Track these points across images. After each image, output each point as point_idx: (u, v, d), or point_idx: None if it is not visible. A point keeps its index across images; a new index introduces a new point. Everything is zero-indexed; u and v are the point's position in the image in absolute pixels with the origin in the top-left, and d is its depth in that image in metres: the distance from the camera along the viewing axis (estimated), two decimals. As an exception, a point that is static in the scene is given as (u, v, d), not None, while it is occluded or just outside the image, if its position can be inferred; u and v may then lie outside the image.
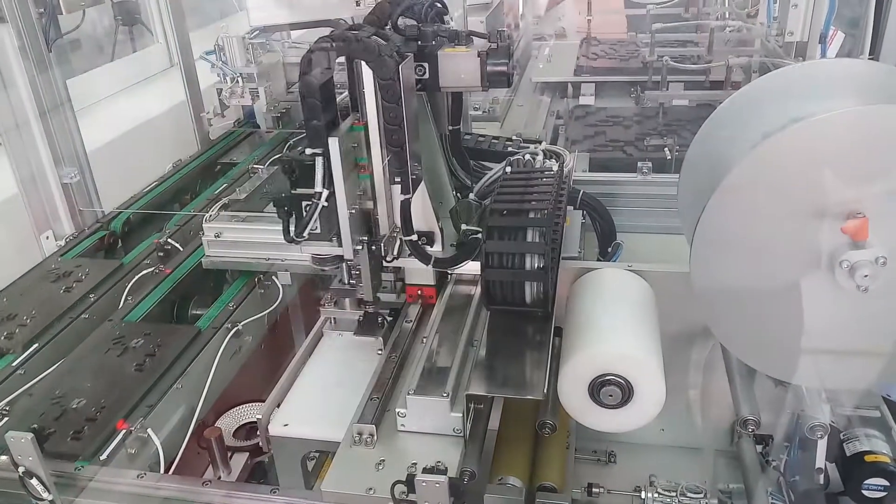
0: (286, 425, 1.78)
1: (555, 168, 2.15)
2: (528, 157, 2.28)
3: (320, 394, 1.89)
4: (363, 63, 1.60)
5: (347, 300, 2.08)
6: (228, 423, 2.14)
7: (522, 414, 1.96)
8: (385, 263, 1.87)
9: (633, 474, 2.05)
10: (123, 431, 1.81)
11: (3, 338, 2.18)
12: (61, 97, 2.75)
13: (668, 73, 3.52)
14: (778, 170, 1.50)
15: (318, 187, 1.61)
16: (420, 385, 1.59)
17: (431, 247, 1.90)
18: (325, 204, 1.62)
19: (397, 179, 1.69)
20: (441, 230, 1.94)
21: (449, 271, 2.02)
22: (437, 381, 1.61)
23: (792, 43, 2.94)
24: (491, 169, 2.32)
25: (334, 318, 2.10)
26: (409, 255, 1.84)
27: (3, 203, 2.74)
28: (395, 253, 1.84)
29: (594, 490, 1.98)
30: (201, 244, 2.54)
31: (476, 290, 1.95)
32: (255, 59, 3.51)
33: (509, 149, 2.44)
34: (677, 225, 2.43)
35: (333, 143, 1.56)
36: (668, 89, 3.59)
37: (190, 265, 2.54)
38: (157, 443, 1.80)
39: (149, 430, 1.81)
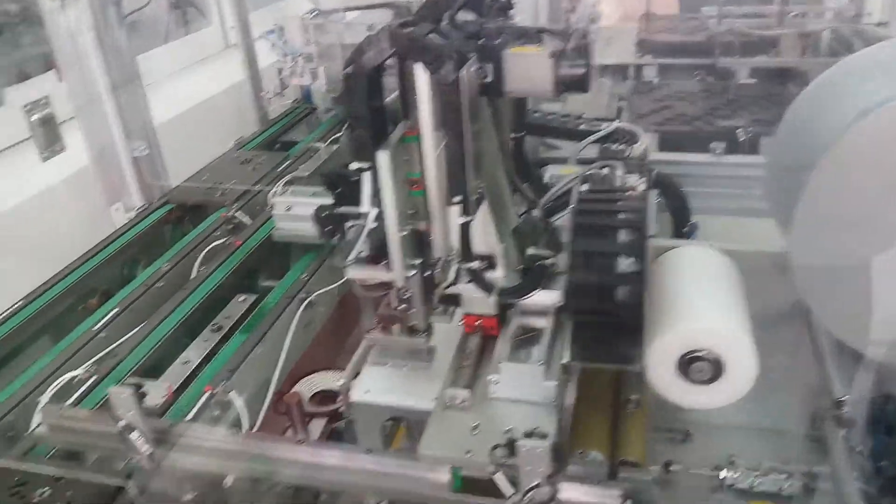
0: (368, 392, 1.79)
1: (640, 188, 1.81)
2: (605, 171, 1.91)
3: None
4: (418, 65, 1.37)
5: (396, 327, 1.75)
6: (303, 390, 2.16)
7: (598, 388, 1.95)
8: (445, 291, 1.66)
9: (710, 454, 2.02)
10: (208, 394, 1.84)
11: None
12: (131, 73, 2.78)
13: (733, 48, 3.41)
14: (880, 144, 1.47)
15: (365, 206, 1.44)
16: (513, 352, 1.57)
17: (492, 272, 1.66)
18: (374, 224, 1.45)
19: (455, 199, 1.47)
20: (504, 253, 1.69)
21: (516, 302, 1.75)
22: (531, 348, 1.59)
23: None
24: (559, 147, 2.26)
25: (381, 346, 1.78)
26: (469, 282, 1.64)
27: (76, 175, 2.77)
28: (452, 279, 1.62)
29: (672, 468, 1.96)
30: (269, 217, 2.58)
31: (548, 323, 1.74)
32: (313, 39, 3.52)
33: (581, 127, 2.40)
34: (750, 206, 2.40)
35: (382, 157, 1.37)
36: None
37: (259, 238, 2.56)
38: (240, 406, 1.82)
39: (231, 394, 1.84)
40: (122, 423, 1.41)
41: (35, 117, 2.40)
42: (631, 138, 2.26)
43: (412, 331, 1.66)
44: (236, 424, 1.81)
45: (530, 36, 1.60)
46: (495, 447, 1.32)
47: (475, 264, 1.57)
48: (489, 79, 1.55)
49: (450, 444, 1.44)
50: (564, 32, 1.62)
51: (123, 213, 2.81)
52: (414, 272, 1.51)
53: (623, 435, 1.90)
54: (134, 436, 1.41)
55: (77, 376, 1.91)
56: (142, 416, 1.41)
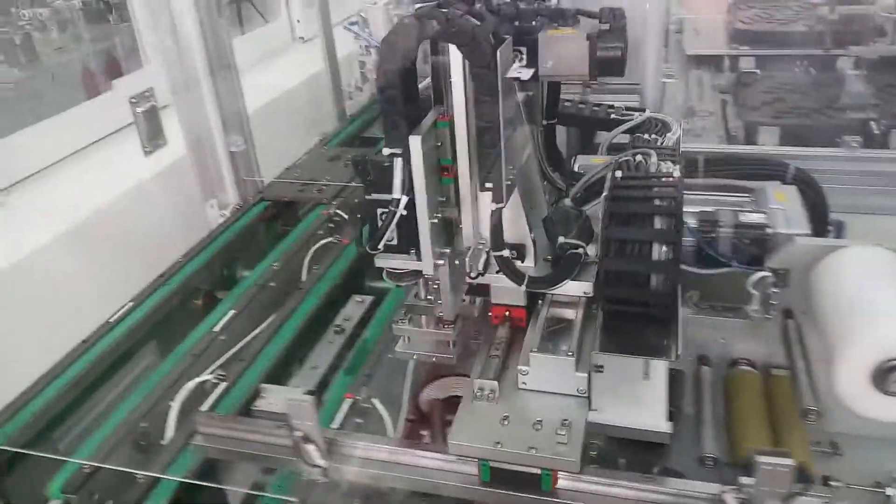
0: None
1: (676, 174, 1.68)
2: (639, 158, 1.80)
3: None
4: (453, 47, 1.32)
5: (424, 318, 1.70)
6: (433, 394, 2.05)
7: (750, 395, 1.83)
8: (469, 280, 1.60)
9: (864, 468, 1.90)
10: (349, 401, 1.74)
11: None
12: (228, 61, 2.69)
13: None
14: None
15: (397, 193, 1.39)
16: (543, 343, 1.51)
17: (522, 262, 1.61)
18: (405, 212, 1.41)
19: (488, 185, 1.42)
20: (534, 242, 1.62)
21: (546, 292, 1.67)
22: (561, 339, 1.52)
23: None
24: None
25: (408, 338, 1.69)
26: (498, 272, 1.56)
27: (169, 168, 2.68)
28: (481, 268, 1.55)
29: (831, 483, 1.84)
30: None
31: (578, 314, 1.67)
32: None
33: (612, 116, 2.27)
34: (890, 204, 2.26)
35: (415, 143, 1.33)
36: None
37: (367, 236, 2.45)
38: (384, 413, 1.72)
39: (374, 401, 1.74)
40: (298, 435, 1.31)
41: (140, 109, 2.31)
42: (663, 128, 2.15)
43: (439, 322, 1.62)
44: (379, 433, 1.71)
45: (566, 18, 1.59)
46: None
47: (506, 253, 1.51)
48: (524, 62, 1.52)
49: (480, 434, 1.38)
50: (601, 14, 1.58)
51: (217, 210, 2.72)
52: (443, 262, 1.47)
53: (786, 445, 1.78)
54: (311, 448, 1.31)
55: (206, 381, 1.81)
56: (318, 427, 1.31)
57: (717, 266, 1.96)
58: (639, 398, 1.63)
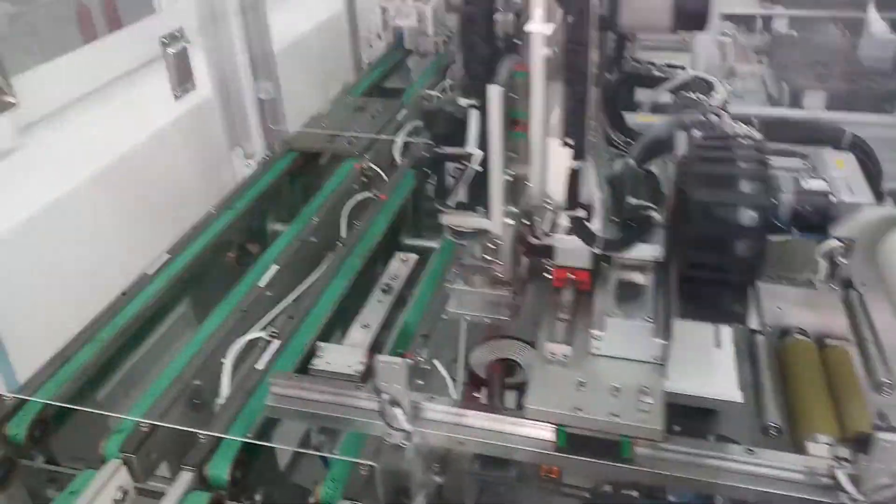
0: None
1: (756, 135, 1.65)
2: (712, 117, 1.75)
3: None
4: None
5: (478, 277, 1.66)
6: (483, 356, 2.01)
7: (807, 364, 1.82)
8: (533, 241, 1.55)
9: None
10: (409, 362, 1.69)
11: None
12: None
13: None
14: None
15: (472, 147, 1.34)
16: (618, 308, 1.48)
17: (589, 223, 1.52)
18: (480, 168, 1.36)
19: (569, 141, 1.35)
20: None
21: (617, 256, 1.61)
22: (635, 304, 1.49)
23: None
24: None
25: (461, 297, 1.66)
26: (569, 232, 1.50)
27: (193, 111, 2.55)
28: (548, 228, 1.51)
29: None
30: (404, 170, 2.44)
31: (649, 278, 1.62)
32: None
33: (654, 73, 2.15)
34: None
35: (494, 92, 1.26)
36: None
37: (404, 192, 2.39)
38: (445, 375, 1.68)
39: (435, 362, 1.69)
40: (385, 397, 1.26)
41: (171, 51, 2.19)
42: (707, 87, 2.10)
43: (494, 283, 1.57)
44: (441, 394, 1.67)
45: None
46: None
47: (581, 213, 1.46)
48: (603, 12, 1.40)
49: (558, 400, 1.36)
50: None
51: (243, 160, 2.62)
52: (512, 221, 1.42)
53: (850, 417, 1.78)
54: (397, 411, 1.27)
55: (259, 338, 1.76)
56: (407, 391, 1.27)
57: (776, 233, 1.94)
58: (710, 366, 1.62)
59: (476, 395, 1.86)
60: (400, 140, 2.70)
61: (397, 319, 1.91)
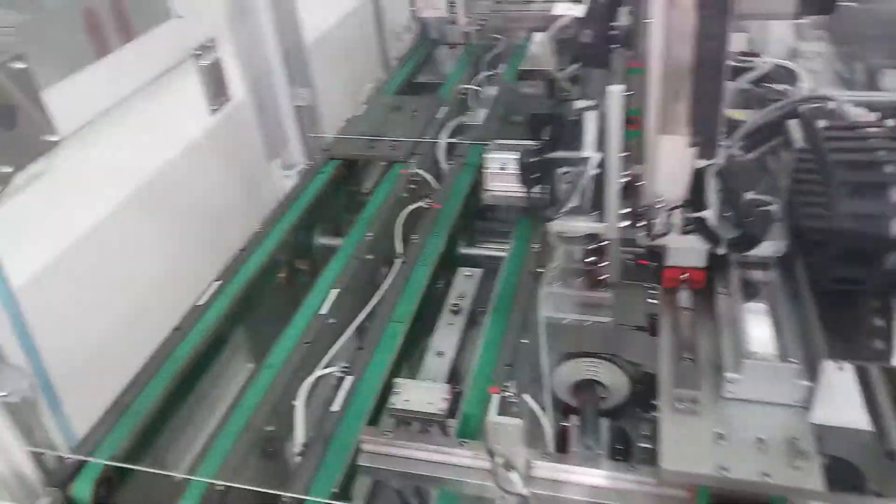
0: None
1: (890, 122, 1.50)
2: (831, 105, 1.63)
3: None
4: None
5: (578, 279, 1.65)
6: (565, 377, 1.88)
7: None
8: (650, 242, 1.48)
9: None
10: (496, 397, 1.56)
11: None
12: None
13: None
14: None
15: (589, 150, 1.30)
16: (759, 348, 1.32)
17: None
18: (599, 170, 1.32)
19: (699, 140, 1.30)
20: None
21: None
22: (773, 340, 1.33)
23: None
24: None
25: (557, 300, 1.66)
26: (687, 231, 1.44)
27: (225, 121, 2.39)
28: (662, 229, 1.45)
29: None
30: (458, 175, 2.31)
31: (769, 277, 1.53)
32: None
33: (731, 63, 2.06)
34: None
35: (615, 92, 1.23)
36: None
37: (458, 200, 2.24)
38: (538, 411, 1.54)
39: (525, 397, 1.56)
40: (499, 461, 1.13)
41: (203, 63, 2.04)
42: (789, 77, 1.95)
43: (594, 285, 1.58)
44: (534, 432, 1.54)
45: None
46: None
47: (707, 214, 1.39)
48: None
49: (696, 457, 1.21)
50: None
51: (281, 170, 2.47)
52: (626, 223, 1.41)
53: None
54: (513, 476, 1.14)
55: (329, 375, 1.63)
56: (525, 452, 1.14)
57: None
58: (831, 392, 1.48)
59: (565, 423, 1.73)
60: (443, 142, 2.56)
61: (471, 342, 1.79)
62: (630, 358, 1.78)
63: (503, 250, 2.11)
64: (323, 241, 2.30)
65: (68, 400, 1.59)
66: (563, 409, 1.75)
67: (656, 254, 1.61)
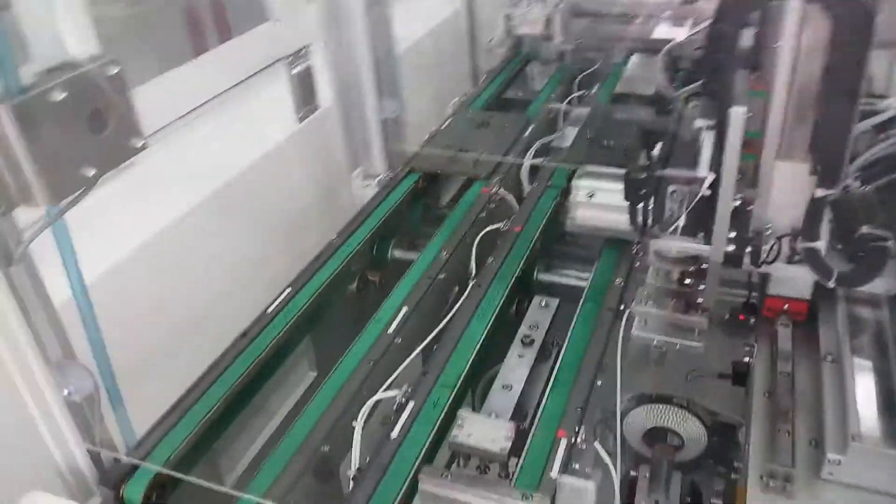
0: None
1: None
2: None
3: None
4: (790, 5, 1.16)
5: (672, 301, 1.64)
6: (637, 423, 1.77)
7: None
8: (757, 269, 1.47)
9: None
10: (563, 441, 1.47)
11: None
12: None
13: None
14: None
15: (704, 170, 1.27)
16: (869, 428, 1.18)
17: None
18: (709, 192, 1.29)
19: (821, 167, 1.27)
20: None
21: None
22: (886, 419, 1.20)
23: None
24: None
25: (646, 320, 1.68)
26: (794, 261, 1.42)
27: (318, 118, 2.37)
28: (769, 257, 1.43)
29: None
30: (540, 197, 2.26)
31: (877, 315, 1.47)
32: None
33: None
34: None
35: (738, 114, 1.19)
36: None
37: (538, 224, 2.16)
38: (609, 463, 1.45)
39: (597, 445, 1.46)
40: (565, 518, 1.05)
41: (296, 70, 2.03)
42: None
43: (688, 308, 1.57)
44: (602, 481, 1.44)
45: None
46: None
47: (820, 245, 1.37)
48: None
49: None
50: None
51: (362, 181, 2.45)
52: (732, 247, 1.38)
53: None
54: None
55: (393, 399, 1.57)
56: (591, 512, 1.05)
57: None
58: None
59: (634, 472, 1.62)
60: (527, 162, 2.48)
61: (541, 376, 1.70)
62: (708, 405, 1.67)
63: (582, 279, 2.02)
64: (397, 253, 2.26)
65: (130, 400, 1.59)
66: (634, 459, 1.65)
67: (753, 307, 1.51)
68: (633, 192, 1.41)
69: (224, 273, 2.08)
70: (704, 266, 1.48)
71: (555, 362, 1.74)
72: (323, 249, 2.06)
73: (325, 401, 1.58)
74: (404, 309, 1.82)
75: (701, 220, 1.36)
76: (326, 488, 1.50)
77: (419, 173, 2.43)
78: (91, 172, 1.16)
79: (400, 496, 1.36)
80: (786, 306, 1.51)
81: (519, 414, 1.61)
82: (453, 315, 1.82)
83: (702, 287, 1.53)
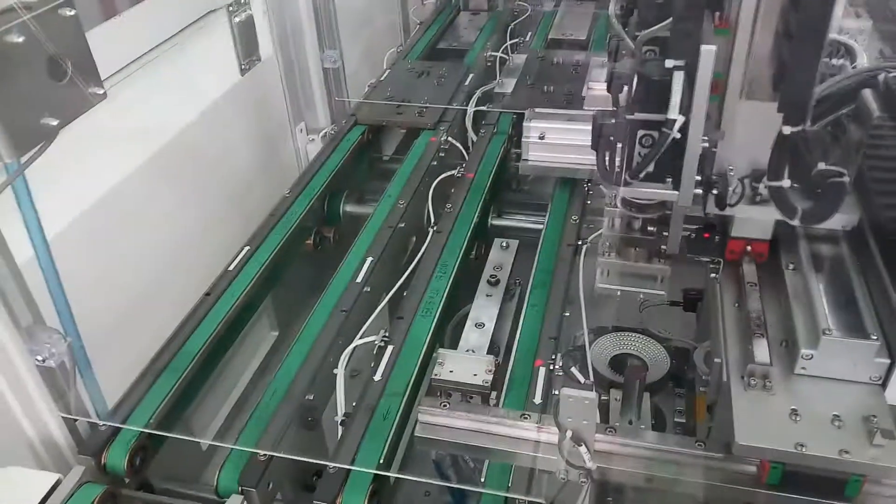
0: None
1: None
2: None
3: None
4: None
5: (634, 250, 1.60)
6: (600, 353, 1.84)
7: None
8: (721, 212, 1.44)
9: None
10: (541, 369, 1.52)
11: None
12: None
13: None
14: None
15: (674, 113, 1.21)
16: (836, 323, 1.26)
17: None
18: (678, 135, 1.23)
19: (788, 104, 1.21)
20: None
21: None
22: (849, 315, 1.28)
23: None
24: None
25: (608, 271, 1.60)
26: (758, 202, 1.40)
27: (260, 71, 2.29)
28: (732, 200, 1.40)
29: None
30: (488, 144, 2.28)
31: (844, 255, 1.49)
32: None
33: None
34: None
35: (708, 54, 1.15)
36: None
37: (489, 169, 2.18)
38: (588, 385, 1.50)
39: (574, 370, 1.52)
40: (569, 435, 1.09)
41: (237, 20, 1.95)
42: (847, 54, 1.91)
43: (651, 256, 1.52)
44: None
45: None
46: None
47: (786, 184, 1.32)
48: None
49: (772, 434, 1.17)
50: None
51: (306, 135, 2.40)
52: (700, 191, 1.31)
53: None
54: (582, 451, 1.10)
55: (371, 344, 1.58)
56: (594, 426, 1.09)
57: None
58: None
59: (605, 397, 1.69)
60: (471, 109, 2.49)
61: (508, 314, 1.75)
62: (661, 332, 1.75)
63: (537, 223, 2.06)
64: (349, 208, 2.24)
65: (98, 366, 1.54)
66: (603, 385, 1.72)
67: (713, 226, 1.57)
68: (601, 139, 1.35)
69: (172, 237, 2.00)
70: (668, 212, 1.45)
71: (521, 300, 1.79)
72: (276, 206, 2.02)
73: (303, 351, 1.57)
74: (369, 259, 1.82)
75: (668, 166, 1.32)
76: (313, 436, 1.50)
77: (365, 126, 2.40)
78: (53, 123, 1.10)
79: (391, 435, 1.38)
80: (748, 247, 1.51)
81: (493, 350, 1.65)
82: (419, 260, 1.84)
83: (665, 234, 1.50)
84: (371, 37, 3.13)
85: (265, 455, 1.33)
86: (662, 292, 1.53)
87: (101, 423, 1.39)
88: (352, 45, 2.87)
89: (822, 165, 1.33)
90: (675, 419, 1.79)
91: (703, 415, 1.66)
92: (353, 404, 1.45)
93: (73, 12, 1.10)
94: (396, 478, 1.36)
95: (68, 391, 1.34)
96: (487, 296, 1.78)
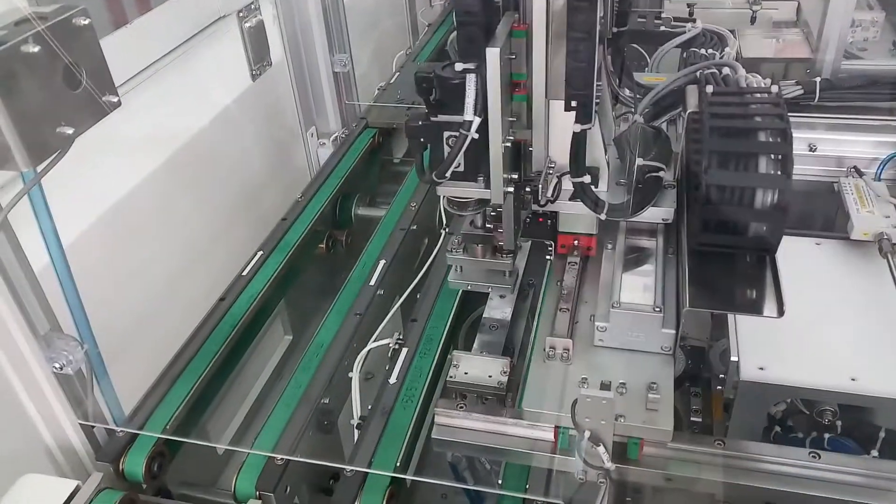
0: (762, 368, 1.46)
1: (774, 88, 1.49)
2: (726, 71, 1.59)
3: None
4: None
5: (479, 247, 1.59)
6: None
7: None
8: (537, 208, 1.51)
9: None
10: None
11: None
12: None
13: None
14: None
15: (469, 114, 1.22)
16: (625, 297, 1.37)
17: (595, 187, 1.46)
18: (476, 135, 1.24)
19: (574, 104, 1.25)
20: (608, 164, 1.50)
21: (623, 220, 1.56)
22: (643, 292, 1.39)
23: None
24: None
25: (460, 267, 1.59)
26: (570, 199, 1.45)
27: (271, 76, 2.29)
28: (551, 195, 1.45)
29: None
30: None
31: (657, 244, 1.56)
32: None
33: (661, 28, 2.03)
34: None
35: (493, 55, 1.16)
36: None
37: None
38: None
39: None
40: (587, 435, 1.09)
41: (248, 25, 1.96)
42: (719, 42, 1.93)
43: (496, 251, 1.53)
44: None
45: None
46: None
47: (586, 180, 1.39)
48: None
49: (556, 399, 1.28)
50: None
51: (317, 140, 2.40)
52: (511, 189, 1.35)
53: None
54: (601, 451, 1.09)
55: (385, 347, 1.58)
56: (612, 427, 1.09)
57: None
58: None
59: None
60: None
61: (524, 314, 1.74)
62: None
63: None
64: (361, 211, 2.24)
65: (113, 373, 1.54)
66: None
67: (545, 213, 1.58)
68: (414, 141, 1.35)
69: (186, 242, 2.01)
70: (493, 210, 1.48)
71: (534, 300, 1.78)
72: (289, 210, 2.02)
73: (319, 355, 1.57)
74: (382, 262, 1.82)
75: (479, 165, 1.33)
76: (329, 439, 1.50)
77: (375, 129, 2.41)
78: (69, 131, 1.11)
79: (407, 437, 1.38)
80: (576, 242, 1.59)
81: (507, 351, 1.64)
82: (432, 261, 1.83)
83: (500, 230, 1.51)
84: (380, 39, 3.14)
85: (282, 459, 1.34)
86: (510, 286, 1.56)
87: (119, 429, 1.40)
88: (361, 49, 2.88)
89: (640, 161, 1.46)
90: (692, 418, 1.79)
91: (720, 413, 1.66)
92: (369, 407, 1.46)
93: (87, 21, 1.10)
94: (413, 480, 1.37)
95: (86, 398, 1.35)
96: (501, 297, 1.77)
